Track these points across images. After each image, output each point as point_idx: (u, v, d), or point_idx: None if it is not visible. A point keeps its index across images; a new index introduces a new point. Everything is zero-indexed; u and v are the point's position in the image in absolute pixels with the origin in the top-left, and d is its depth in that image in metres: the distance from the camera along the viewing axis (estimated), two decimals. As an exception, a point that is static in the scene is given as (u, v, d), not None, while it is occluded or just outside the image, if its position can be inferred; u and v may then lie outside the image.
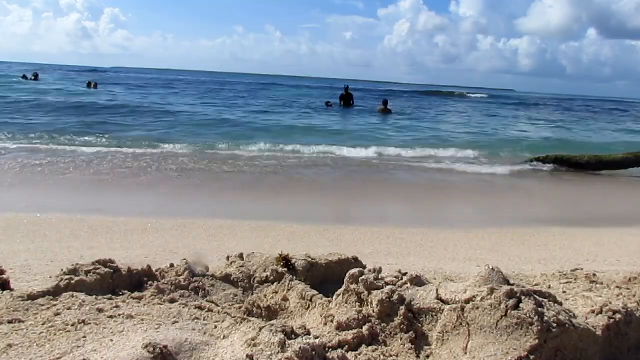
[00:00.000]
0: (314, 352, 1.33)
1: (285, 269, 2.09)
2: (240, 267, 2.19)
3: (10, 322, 1.52)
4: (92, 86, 25.25)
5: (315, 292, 1.91)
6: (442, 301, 1.57)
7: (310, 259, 2.19)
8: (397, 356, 1.51)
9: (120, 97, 20.64)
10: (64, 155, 7.55)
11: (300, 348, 1.31)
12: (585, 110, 34.77)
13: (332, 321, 1.66)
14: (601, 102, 59.85)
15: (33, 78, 28.00)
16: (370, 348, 1.53)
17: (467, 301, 1.50)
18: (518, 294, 1.45)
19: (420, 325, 1.57)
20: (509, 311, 1.41)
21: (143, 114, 14.71)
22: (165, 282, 2.00)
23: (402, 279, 1.74)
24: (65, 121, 12.00)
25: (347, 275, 1.75)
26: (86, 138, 9.55)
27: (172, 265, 2.17)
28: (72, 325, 1.49)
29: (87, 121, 12.15)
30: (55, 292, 1.76)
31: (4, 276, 1.91)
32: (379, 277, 1.74)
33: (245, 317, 1.63)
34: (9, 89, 20.63)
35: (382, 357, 1.49)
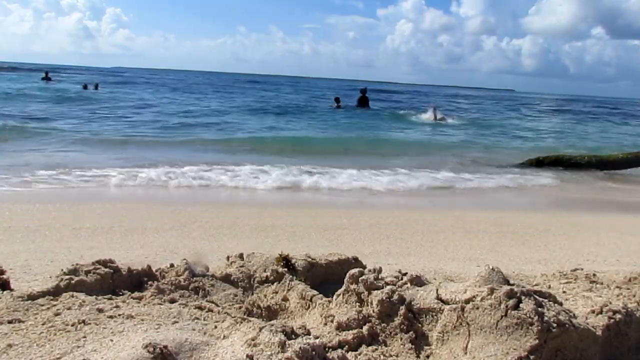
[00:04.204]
0: (314, 352, 1.33)
1: (285, 269, 2.09)
2: (240, 267, 2.18)
3: (10, 322, 1.52)
4: (86, 88, 24.33)
5: (315, 292, 1.91)
6: (442, 301, 1.57)
7: (310, 259, 2.19)
8: (397, 356, 1.51)
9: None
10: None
11: (300, 348, 1.31)
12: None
13: (332, 321, 1.66)
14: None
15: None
16: (370, 348, 1.53)
17: (467, 301, 1.50)
18: (518, 294, 1.45)
19: (420, 325, 1.57)
20: (509, 311, 1.41)
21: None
22: (165, 282, 2.00)
23: (402, 279, 1.74)
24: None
25: (347, 275, 1.75)
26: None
27: (172, 265, 2.16)
28: (72, 325, 1.49)
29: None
30: (55, 292, 1.76)
31: (4, 276, 1.91)
32: (379, 277, 1.74)
33: (245, 317, 1.63)
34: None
35: (382, 357, 1.49)
